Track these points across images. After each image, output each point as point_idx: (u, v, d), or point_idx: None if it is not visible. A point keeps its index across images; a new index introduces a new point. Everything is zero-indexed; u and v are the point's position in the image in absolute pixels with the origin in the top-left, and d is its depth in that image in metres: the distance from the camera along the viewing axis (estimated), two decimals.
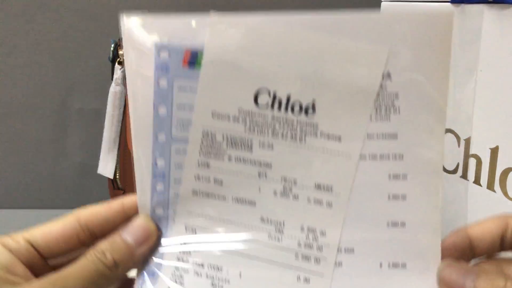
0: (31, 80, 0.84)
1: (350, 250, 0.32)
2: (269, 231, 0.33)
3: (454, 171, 0.47)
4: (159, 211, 0.33)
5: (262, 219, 0.33)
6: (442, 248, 0.32)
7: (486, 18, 0.49)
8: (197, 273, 0.33)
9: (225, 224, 0.33)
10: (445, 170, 0.46)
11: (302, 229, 0.33)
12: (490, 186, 0.47)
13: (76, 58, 0.81)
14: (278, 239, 0.33)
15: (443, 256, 0.32)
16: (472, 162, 0.48)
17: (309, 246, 0.33)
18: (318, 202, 0.32)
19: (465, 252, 0.32)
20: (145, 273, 0.33)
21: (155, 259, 0.33)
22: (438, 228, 0.32)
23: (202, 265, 0.33)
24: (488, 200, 0.49)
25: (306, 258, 0.33)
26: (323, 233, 0.32)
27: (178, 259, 0.33)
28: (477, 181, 0.48)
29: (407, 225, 0.32)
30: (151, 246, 0.33)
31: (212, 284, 0.33)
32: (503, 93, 0.48)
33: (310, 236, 0.33)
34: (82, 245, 0.33)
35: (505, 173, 0.46)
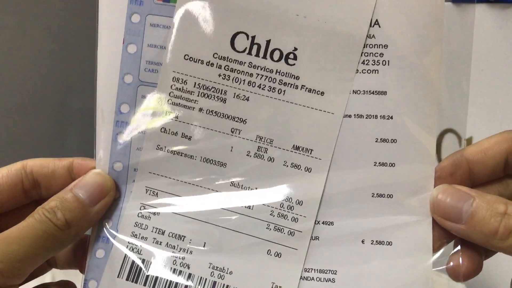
0: (30, 79, 0.82)
1: (329, 223, 0.29)
2: (240, 197, 0.29)
3: None
4: (118, 167, 0.30)
5: (233, 183, 0.29)
6: (437, 180, 0.28)
7: (486, 18, 0.48)
8: (156, 241, 0.29)
9: (191, 188, 0.29)
10: None
11: (276, 197, 0.29)
12: None
13: (75, 57, 0.79)
14: (249, 207, 0.29)
15: None
16: None
17: (283, 217, 0.29)
18: (296, 166, 0.29)
19: (462, 179, 0.28)
20: (98, 239, 0.30)
21: (110, 223, 0.30)
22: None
23: (163, 233, 0.29)
24: None
25: (279, 229, 0.29)
26: (299, 203, 0.29)
27: (136, 225, 0.29)
28: None
29: (395, 197, 0.28)
30: (107, 204, 0.29)
31: (173, 254, 0.29)
32: (504, 92, 0.47)
33: (285, 205, 0.29)
34: (27, 196, 0.29)
35: None
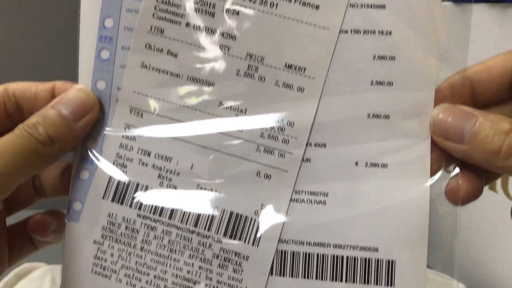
0: (30, 80, 0.81)
1: (321, 145, 0.27)
2: (229, 118, 0.28)
3: None
4: (101, 86, 0.28)
5: (221, 104, 0.28)
6: (437, 101, 0.27)
7: (486, 18, 0.46)
8: (142, 163, 0.28)
9: (177, 108, 0.28)
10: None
11: (266, 118, 0.28)
12: (492, 187, 0.46)
13: (75, 57, 0.77)
14: (238, 128, 0.28)
15: None
16: None
17: (274, 138, 0.28)
18: (288, 86, 0.27)
19: (464, 101, 0.26)
20: (82, 160, 0.29)
21: (94, 145, 0.29)
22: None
23: (149, 154, 0.28)
24: (490, 201, 0.47)
25: (269, 151, 0.28)
26: (291, 124, 0.27)
27: (121, 146, 0.28)
28: None
29: (392, 118, 0.27)
30: (91, 120, 0.28)
31: (159, 176, 0.28)
32: None
33: (276, 126, 0.28)
34: (10, 120, 0.28)
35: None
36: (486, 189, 0.46)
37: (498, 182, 0.46)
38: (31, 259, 0.51)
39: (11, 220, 0.31)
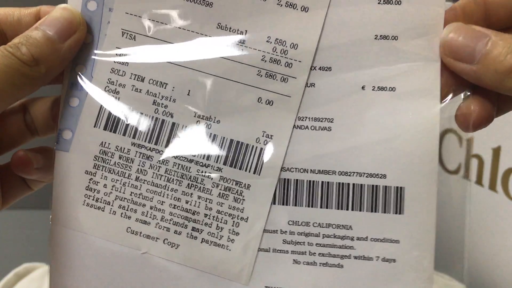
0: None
1: (326, 69, 0.26)
2: (227, 40, 0.26)
3: (456, 172, 0.43)
4: (92, 6, 0.26)
5: (219, 25, 0.26)
6: (447, 21, 0.25)
7: None
8: (136, 89, 0.27)
9: (173, 31, 0.26)
10: (446, 170, 0.43)
11: (268, 40, 0.26)
12: (492, 187, 0.46)
13: None
14: (238, 51, 0.26)
15: None
16: (474, 162, 0.47)
17: (276, 62, 0.26)
18: (291, 5, 0.26)
19: (477, 22, 0.25)
20: (71, 86, 0.27)
21: (83, 70, 0.27)
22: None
23: (142, 79, 0.27)
24: (490, 201, 0.47)
25: (271, 76, 0.26)
26: (294, 46, 0.26)
27: (113, 71, 0.27)
28: (479, 182, 0.47)
29: (401, 38, 0.26)
30: (78, 40, 0.26)
31: (154, 103, 0.26)
32: None
33: (278, 49, 0.26)
34: None
35: (507, 173, 0.44)
36: (486, 189, 0.46)
37: (499, 182, 0.46)
38: (31, 259, 0.50)
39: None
